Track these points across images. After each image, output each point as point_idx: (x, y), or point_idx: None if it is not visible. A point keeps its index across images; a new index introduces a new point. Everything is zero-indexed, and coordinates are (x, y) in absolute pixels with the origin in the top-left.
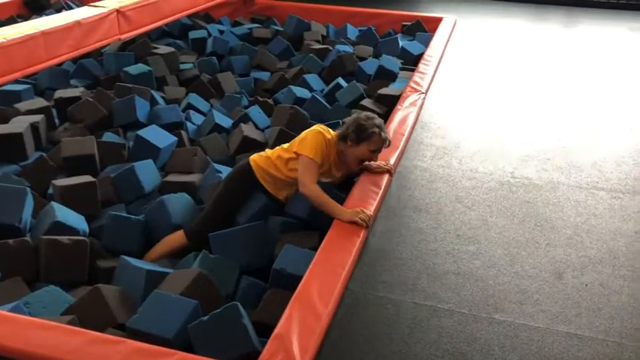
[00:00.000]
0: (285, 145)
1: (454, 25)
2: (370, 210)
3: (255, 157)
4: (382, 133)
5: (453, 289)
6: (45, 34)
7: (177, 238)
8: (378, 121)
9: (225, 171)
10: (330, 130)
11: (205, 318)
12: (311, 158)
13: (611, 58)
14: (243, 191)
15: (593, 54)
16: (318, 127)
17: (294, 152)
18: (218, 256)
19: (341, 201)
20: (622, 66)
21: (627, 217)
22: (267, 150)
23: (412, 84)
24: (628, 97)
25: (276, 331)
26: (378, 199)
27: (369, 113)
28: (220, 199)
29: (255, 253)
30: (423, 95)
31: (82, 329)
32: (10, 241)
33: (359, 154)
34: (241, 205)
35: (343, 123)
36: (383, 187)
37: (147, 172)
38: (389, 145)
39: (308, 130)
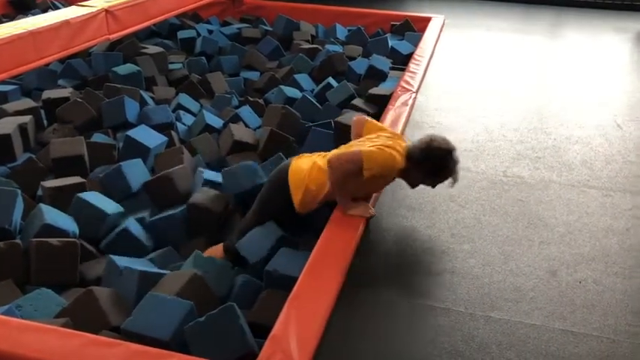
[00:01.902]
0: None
1: (443, 25)
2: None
3: (310, 181)
4: (456, 169)
5: (448, 287)
6: (33, 34)
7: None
8: (456, 155)
9: (215, 176)
10: (402, 142)
11: (202, 319)
12: (362, 160)
13: (597, 58)
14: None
15: (580, 54)
16: (395, 160)
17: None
18: (212, 257)
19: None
20: (608, 65)
21: (618, 214)
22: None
23: (403, 83)
24: (615, 96)
25: (273, 331)
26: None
27: (446, 143)
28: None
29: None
30: (414, 95)
31: (78, 332)
32: (1, 243)
33: (426, 182)
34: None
35: (422, 144)
36: None
37: (135, 172)
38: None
39: (389, 152)
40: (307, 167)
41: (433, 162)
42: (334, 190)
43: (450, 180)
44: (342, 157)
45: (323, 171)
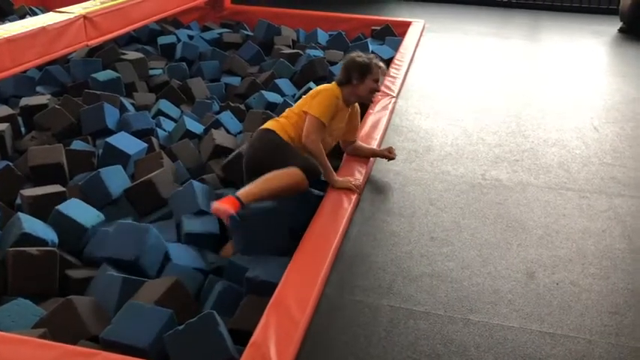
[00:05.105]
0: (296, 109)
1: (423, 29)
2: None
3: (278, 130)
4: (376, 62)
5: (428, 291)
6: (9, 40)
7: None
8: (368, 54)
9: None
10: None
11: (181, 327)
12: (318, 118)
13: (575, 61)
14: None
15: (558, 57)
16: (332, 90)
17: (303, 111)
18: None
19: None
20: (586, 68)
21: (595, 216)
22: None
23: (383, 88)
24: (592, 99)
25: (253, 338)
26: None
27: (356, 52)
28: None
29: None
30: (394, 99)
31: (55, 343)
32: None
33: (367, 87)
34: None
35: (344, 66)
36: (368, 166)
37: (114, 178)
38: (385, 71)
39: (322, 89)
40: (290, 126)
41: (356, 67)
42: (321, 164)
43: (379, 67)
44: (309, 132)
45: (300, 119)
